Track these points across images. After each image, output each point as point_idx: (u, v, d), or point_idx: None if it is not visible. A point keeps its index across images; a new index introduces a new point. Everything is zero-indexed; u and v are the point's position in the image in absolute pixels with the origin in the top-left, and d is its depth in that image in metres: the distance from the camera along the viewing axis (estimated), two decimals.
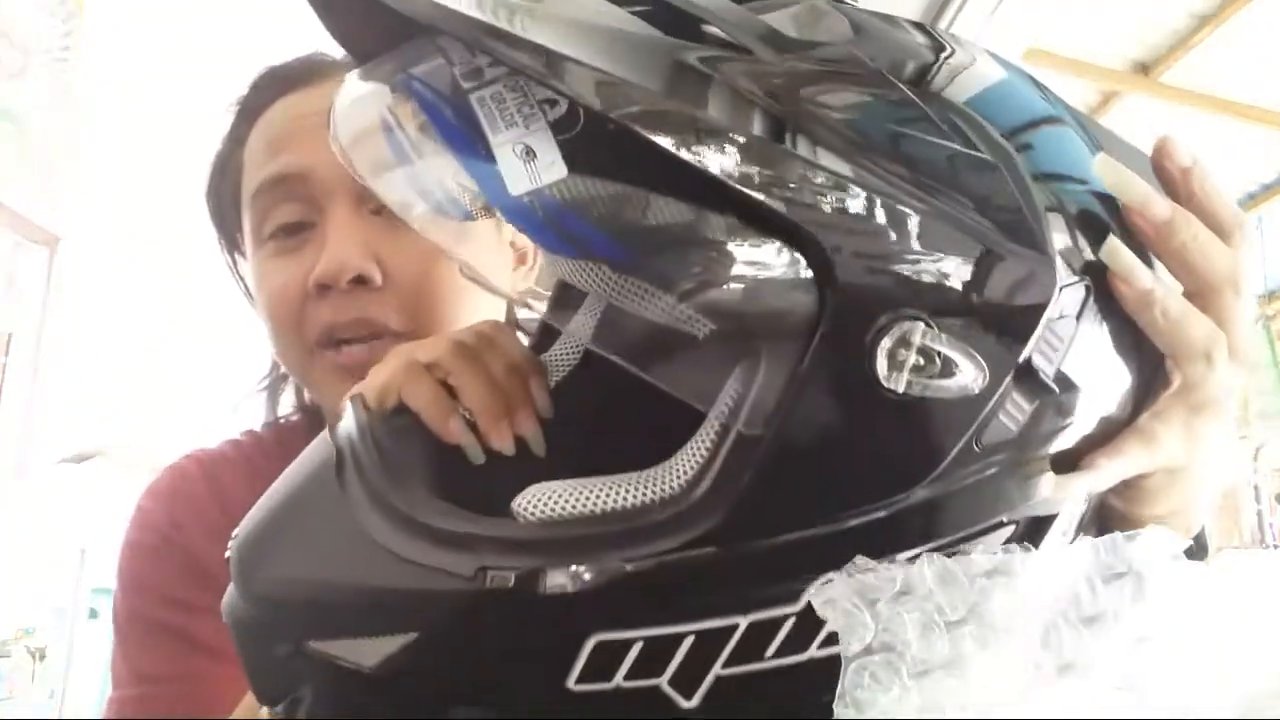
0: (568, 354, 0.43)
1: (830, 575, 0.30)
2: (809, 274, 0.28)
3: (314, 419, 0.71)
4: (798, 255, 0.28)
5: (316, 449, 0.37)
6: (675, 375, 0.30)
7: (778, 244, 0.28)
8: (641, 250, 0.30)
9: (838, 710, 0.30)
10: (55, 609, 1.93)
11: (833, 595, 0.29)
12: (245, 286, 0.70)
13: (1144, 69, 3.63)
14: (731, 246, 0.29)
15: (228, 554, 0.36)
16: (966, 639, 0.31)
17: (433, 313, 0.57)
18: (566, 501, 0.30)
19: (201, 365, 2.40)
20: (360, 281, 0.55)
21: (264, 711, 0.36)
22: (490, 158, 0.29)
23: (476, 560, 0.30)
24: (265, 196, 0.59)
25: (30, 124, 2.34)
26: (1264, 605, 0.36)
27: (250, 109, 0.64)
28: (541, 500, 0.31)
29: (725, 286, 0.29)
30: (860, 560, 0.29)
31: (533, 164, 0.29)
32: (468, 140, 0.30)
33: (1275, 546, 4.50)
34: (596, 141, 0.29)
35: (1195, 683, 0.33)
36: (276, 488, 0.37)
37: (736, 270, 0.29)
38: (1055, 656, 0.32)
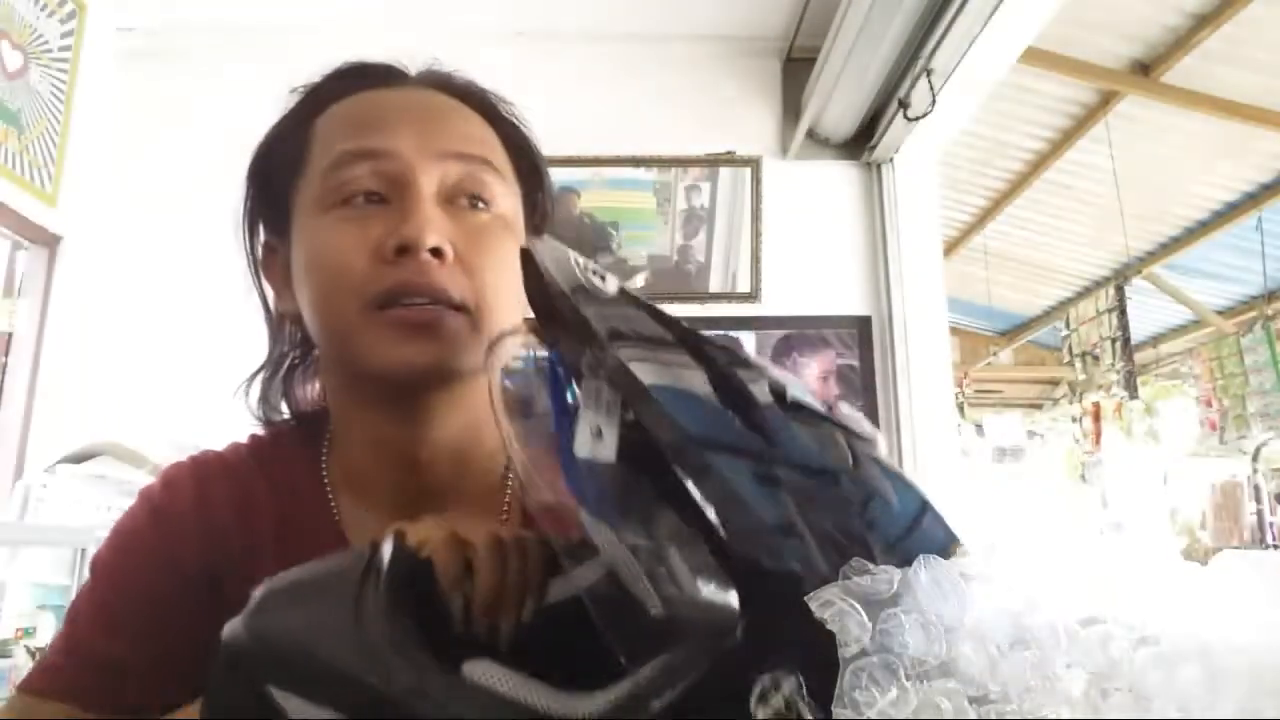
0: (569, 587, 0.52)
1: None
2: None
3: (311, 423, 0.72)
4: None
5: (357, 552, 0.46)
6: (625, 638, 0.38)
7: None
8: (630, 528, 0.39)
9: (836, 711, 0.30)
10: (55, 609, 1.93)
11: (829, 597, 0.29)
12: (256, 261, 0.72)
13: (1144, 69, 3.64)
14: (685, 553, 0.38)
15: (257, 590, 0.43)
16: (964, 639, 0.31)
17: (490, 297, 0.62)
18: (504, 684, 0.38)
19: (202, 365, 2.40)
20: (436, 254, 0.60)
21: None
22: (574, 420, 0.41)
23: (420, 686, 0.38)
24: (349, 167, 0.62)
25: (30, 124, 2.34)
26: (1264, 605, 0.36)
27: (324, 95, 0.68)
28: (487, 674, 0.39)
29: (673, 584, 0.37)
30: (856, 563, 0.30)
31: (598, 441, 0.40)
32: (566, 404, 0.43)
33: (1275, 546, 4.50)
34: (641, 451, 0.40)
35: (1194, 682, 0.33)
36: (318, 563, 0.46)
37: (681, 569, 0.38)
38: (1052, 656, 0.32)
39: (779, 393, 0.43)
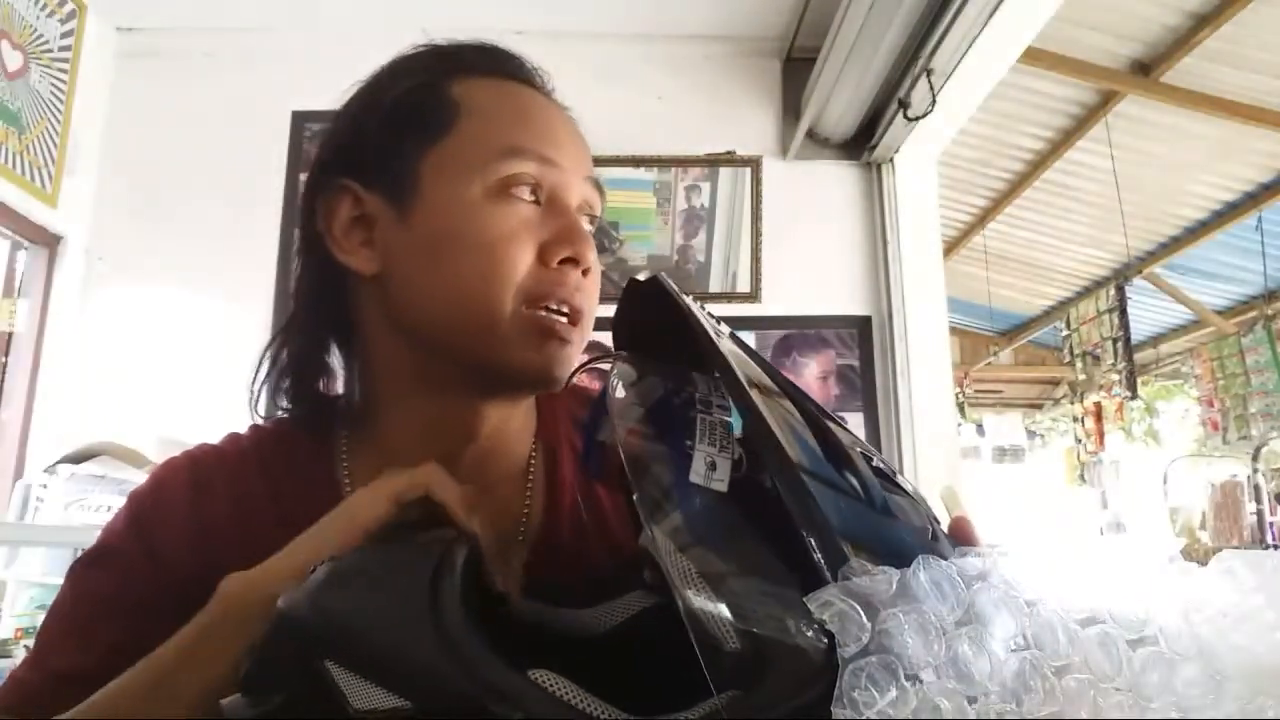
0: (624, 608, 0.53)
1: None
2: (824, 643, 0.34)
3: (322, 413, 0.69)
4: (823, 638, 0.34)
5: (426, 540, 0.47)
6: (710, 658, 0.35)
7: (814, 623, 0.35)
8: (724, 553, 0.39)
9: (835, 711, 0.30)
10: None
11: (828, 597, 0.29)
12: (317, 217, 0.67)
13: (1144, 69, 3.64)
14: (783, 599, 0.36)
15: (321, 567, 0.43)
16: (963, 639, 0.31)
17: (593, 308, 0.66)
18: (571, 695, 0.38)
19: (202, 366, 2.40)
20: (586, 272, 0.64)
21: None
22: (688, 455, 0.42)
23: (498, 685, 0.37)
24: (521, 161, 0.63)
25: (30, 124, 2.34)
26: (1264, 605, 0.36)
27: (461, 63, 0.67)
28: (554, 683, 0.38)
29: (758, 623, 0.36)
30: (855, 563, 0.30)
31: (711, 472, 0.42)
32: (680, 439, 0.43)
33: (1275, 546, 4.50)
34: (747, 488, 0.41)
35: (1194, 682, 0.33)
36: (383, 548, 0.48)
37: (771, 612, 0.36)
38: (1052, 656, 0.32)
39: (867, 456, 0.44)
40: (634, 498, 0.41)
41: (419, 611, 0.40)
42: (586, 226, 0.67)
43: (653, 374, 0.47)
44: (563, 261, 0.62)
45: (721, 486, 0.41)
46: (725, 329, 0.47)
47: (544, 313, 0.62)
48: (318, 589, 0.42)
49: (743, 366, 0.43)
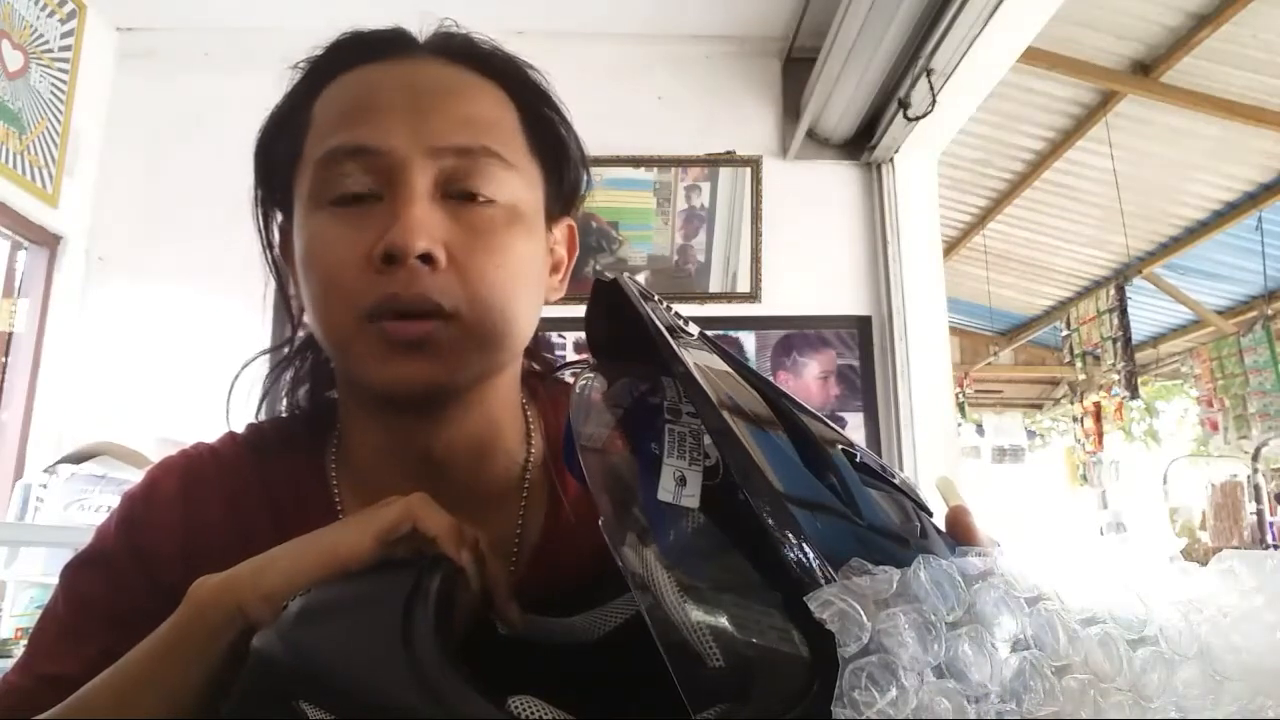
0: (616, 612, 0.52)
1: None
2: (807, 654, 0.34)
3: (317, 416, 0.69)
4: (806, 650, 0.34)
5: (399, 567, 0.46)
6: (687, 675, 0.34)
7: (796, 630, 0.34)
8: (705, 568, 0.38)
9: (836, 711, 0.30)
10: None
11: (828, 597, 0.29)
12: (271, 247, 0.68)
13: (1144, 69, 3.64)
14: (765, 613, 0.35)
15: (294, 603, 0.43)
16: (963, 639, 0.31)
17: (487, 300, 0.58)
18: (545, 717, 0.37)
19: (202, 366, 2.40)
20: (427, 260, 0.56)
21: None
22: (657, 470, 0.40)
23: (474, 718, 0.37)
24: (339, 164, 0.58)
25: (30, 124, 2.34)
26: (1264, 605, 0.36)
27: (325, 70, 0.63)
28: (534, 710, 0.38)
29: (746, 638, 0.35)
30: (855, 562, 0.30)
31: (681, 488, 0.40)
32: (648, 450, 0.41)
33: (1275, 546, 4.50)
34: (719, 498, 0.39)
35: (1194, 682, 0.33)
36: (357, 577, 0.46)
37: (761, 627, 0.35)
38: (1052, 656, 0.32)
39: (850, 454, 0.42)
40: (600, 522, 0.39)
41: (392, 646, 0.39)
42: (472, 199, 0.59)
43: (623, 377, 0.45)
44: (388, 260, 0.55)
45: (693, 502, 0.39)
46: (694, 329, 0.45)
47: (388, 323, 0.56)
48: (291, 626, 0.41)
49: (706, 373, 0.41)
